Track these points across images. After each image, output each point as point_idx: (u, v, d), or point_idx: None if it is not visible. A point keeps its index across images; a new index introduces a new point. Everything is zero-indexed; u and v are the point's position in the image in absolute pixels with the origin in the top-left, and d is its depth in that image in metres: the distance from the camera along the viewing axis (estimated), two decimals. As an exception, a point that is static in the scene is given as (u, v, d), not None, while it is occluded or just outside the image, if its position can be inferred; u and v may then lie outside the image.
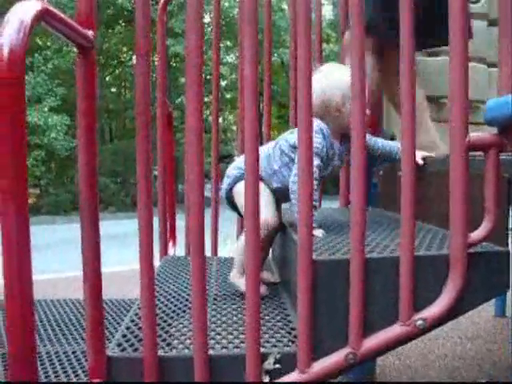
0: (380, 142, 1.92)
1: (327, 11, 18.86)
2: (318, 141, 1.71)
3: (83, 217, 1.21)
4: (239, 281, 1.74)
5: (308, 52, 1.25)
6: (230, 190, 1.83)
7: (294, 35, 2.33)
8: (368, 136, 1.90)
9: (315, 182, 1.64)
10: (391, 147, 1.90)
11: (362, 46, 1.27)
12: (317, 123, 1.74)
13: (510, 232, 1.43)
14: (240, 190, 1.66)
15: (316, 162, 1.66)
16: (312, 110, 1.75)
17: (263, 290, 1.76)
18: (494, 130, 1.32)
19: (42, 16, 0.98)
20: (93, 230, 1.22)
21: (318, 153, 1.71)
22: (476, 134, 1.27)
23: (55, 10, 1.03)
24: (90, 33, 1.20)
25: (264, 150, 1.83)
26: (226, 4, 18.67)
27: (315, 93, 1.76)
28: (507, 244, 1.40)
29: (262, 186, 1.75)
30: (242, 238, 1.65)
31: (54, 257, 6.62)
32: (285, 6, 18.92)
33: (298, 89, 1.26)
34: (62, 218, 14.54)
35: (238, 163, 1.83)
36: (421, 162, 1.77)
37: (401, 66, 1.28)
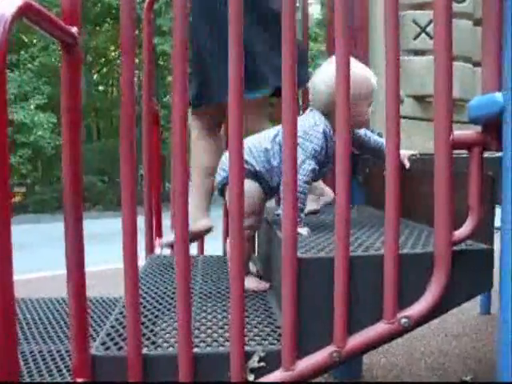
0: (374, 138, 1.91)
1: (315, 10, 18.91)
2: (318, 143, 1.66)
3: (67, 215, 1.20)
4: None
5: (292, 52, 1.25)
6: (225, 184, 1.70)
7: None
8: (363, 131, 1.88)
9: (306, 186, 1.62)
10: (383, 144, 1.86)
11: (347, 42, 1.26)
12: (321, 121, 1.69)
13: (495, 230, 1.44)
14: None
15: (311, 165, 1.63)
16: (320, 106, 1.73)
17: (255, 283, 1.76)
18: (478, 129, 1.32)
19: (24, 11, 0.96)
20: (76, 228, 1.21)
21: (316, 155, 1.66)
22: (460, 133, 1.28)
23: (38, 6, 1.02)
24: (74, 29, 1.18)
25: (260, 142, 1.73)
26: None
27: (322, 87, 1.69)
28: (493, 242, 1.40)
29: (255, 185, 1.68)
30: None
31: (39, 255, 6.58)
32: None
33: (282, 87, 1.25)
34: (47, 216, 14.44)
35: None
36: (407, 164, 1.74)
37: (386, 68, 1.28)
